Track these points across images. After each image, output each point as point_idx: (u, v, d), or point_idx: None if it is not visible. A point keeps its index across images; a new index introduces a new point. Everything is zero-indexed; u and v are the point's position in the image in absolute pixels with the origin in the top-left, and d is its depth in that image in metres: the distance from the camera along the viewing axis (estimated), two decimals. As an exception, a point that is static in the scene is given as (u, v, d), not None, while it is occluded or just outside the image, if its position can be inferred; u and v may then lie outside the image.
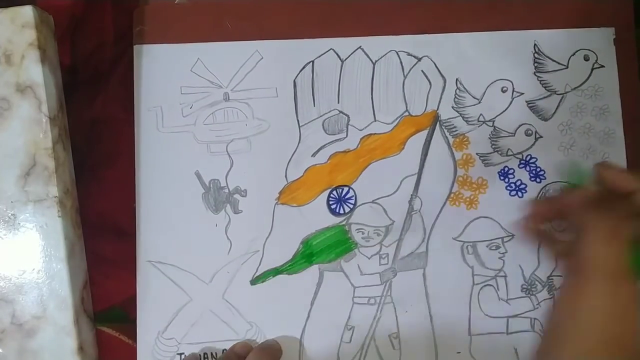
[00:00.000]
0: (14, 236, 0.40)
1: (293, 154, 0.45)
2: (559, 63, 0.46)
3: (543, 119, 0.46)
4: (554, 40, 0.46)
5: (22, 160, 0.40)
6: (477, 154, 0.46)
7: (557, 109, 0.46)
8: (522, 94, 0.46)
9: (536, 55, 0.46)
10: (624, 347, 0.35)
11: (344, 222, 0.45)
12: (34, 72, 0.40)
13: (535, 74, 0.46)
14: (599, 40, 0.46)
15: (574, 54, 0.46)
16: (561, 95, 0.46)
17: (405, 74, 0.46)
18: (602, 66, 0.46)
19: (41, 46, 0.40)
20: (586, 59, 0.46)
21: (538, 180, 0.46)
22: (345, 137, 0.45)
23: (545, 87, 0.46)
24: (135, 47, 0.45)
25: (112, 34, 0.46)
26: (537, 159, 0.46)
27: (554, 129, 0.46)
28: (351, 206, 0.45)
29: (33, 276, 0.40)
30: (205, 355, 0.44)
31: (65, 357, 0.40)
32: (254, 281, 0.45)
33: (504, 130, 0.46)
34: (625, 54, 0.46)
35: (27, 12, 0.40)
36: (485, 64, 0.46)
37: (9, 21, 0.40)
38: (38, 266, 0.40)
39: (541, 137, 0.46)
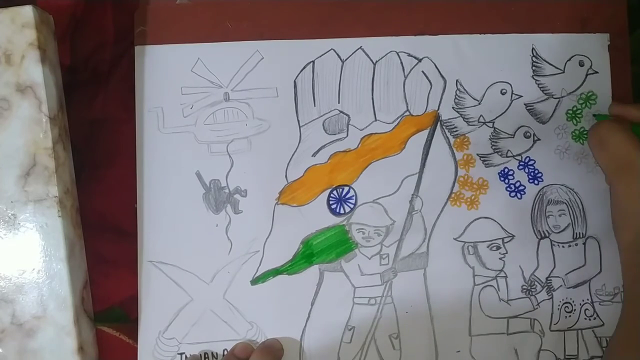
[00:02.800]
0: (14, 236, 0.40)
1: (293, 154, 0.45)
2: (556, 67, 0.46)
3: (541, 122, 0.46)
4: (552, 44, 0.46)
5: (22, 160, 0.40)
6: (477, 154, 0.46)
7: (553, 112, 0.46)
8: (521, 96, 0.46)
9: (534, 59, 0.46)
10: None
11: (344, 222, 0.45)
12: (34, 72, 0.39)
13: (533, 77, 0.46)
14: (594, 46, 0.46)
15: (570, 59, 0.46)
16: (557, 100, 0.46)
17: (406, 74, 0.46)
18: (597, 72, 0.46)
19: (41, 46, 0.40)
20: (581, 64, 0.46)
21: (536, 182, 0.46)
22: (345, 137, 0.45)
23: (542, 91, 0.46)
24: (137, 47, 0.45)
25: (112, 34, 0.45)
26: (535, 161, 0.46)
27: (551, 132, 0.46)
28: (351, 206, 0.45)
29: (33, 276, 0.40)
30: (206, 355, 0.44)
31: (65, 357, 0.40)
32: (254, 281, 0.45)
33: (504, 132, 0.46)
34: (619, 60, 0.47)
35: (27, 12, 0.39)
36: (485, 66, 0.46)
37: (9, 21, 0.39)
38: (38, 266, 0.40)
39: (539, 139, 0.46)
